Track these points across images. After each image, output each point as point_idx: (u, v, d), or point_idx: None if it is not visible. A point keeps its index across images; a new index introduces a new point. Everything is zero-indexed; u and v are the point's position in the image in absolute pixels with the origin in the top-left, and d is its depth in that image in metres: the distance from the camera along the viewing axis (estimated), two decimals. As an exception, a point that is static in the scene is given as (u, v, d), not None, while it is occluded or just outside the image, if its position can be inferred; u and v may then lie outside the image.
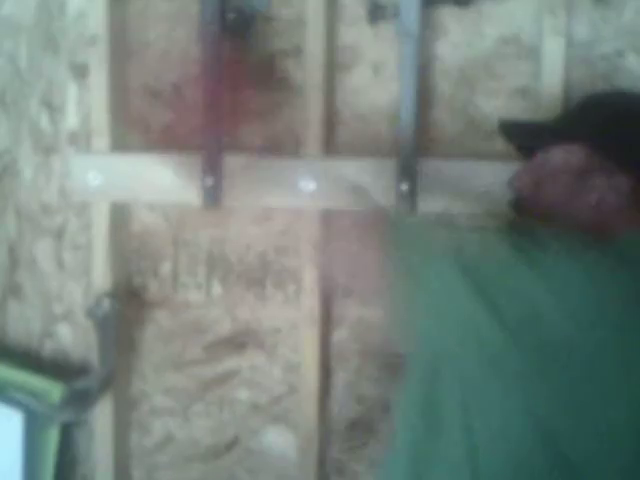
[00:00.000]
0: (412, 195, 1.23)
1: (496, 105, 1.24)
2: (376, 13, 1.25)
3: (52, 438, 1.45)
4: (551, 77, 1.19)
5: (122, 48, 1.40)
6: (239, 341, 1.42)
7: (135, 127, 1.42)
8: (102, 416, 1.44)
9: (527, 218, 0.95)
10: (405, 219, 1.14)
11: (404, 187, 1.23)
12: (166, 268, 1.44)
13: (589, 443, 0.77)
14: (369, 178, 1.26)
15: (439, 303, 0.81)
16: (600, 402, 0.76)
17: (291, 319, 1.37)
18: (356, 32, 1.29)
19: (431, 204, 1.24)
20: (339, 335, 1.36)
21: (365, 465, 1.38)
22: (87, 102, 1.42)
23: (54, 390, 1.42)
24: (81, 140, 1.45)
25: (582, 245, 0.79)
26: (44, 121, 1.49)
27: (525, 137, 1.02)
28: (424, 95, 1.25)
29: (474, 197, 1.21)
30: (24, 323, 1.56)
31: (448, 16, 1.25)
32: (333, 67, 1.30)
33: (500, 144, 1.16)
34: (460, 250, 0.82)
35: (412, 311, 0.83)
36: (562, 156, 0.90)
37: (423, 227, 1.00)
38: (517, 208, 0.98)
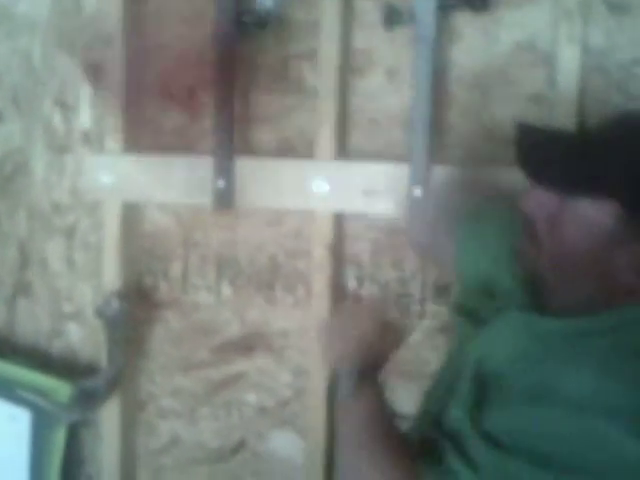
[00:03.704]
0: (425, 200, 1.23)
1: (511, 111, 1.24)
2: (392, 18, 1.24)
3: (59, 437, 1.45)
4: (566, 84, 1.18)
5: (137, 48, 1.40)
6: (248, 344, 1.41)
7: (148, 128, 1.42)
8: (109, 416, 1.44)
9: (532, 243, 0.88)
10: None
11: (417, 192, 1.23)
12: (176, 269, 1.44)
13: None
14: (382, 182, 1.25)
15: None
16: None
17: (300, 322, 1.36)
18: (371, 36, 1.29)
19: (443, 210, 1.23)
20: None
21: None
22: (100, 102, 1.43)
23: (62, 389, 1.42)
24: (94, 140, 1.45)
25: None
26: (57, 120, 1.49)
27: (548, 172, 0.87)
28: (438, 100, 1.24)
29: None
30: (33, 322, 1.56)
31: (463, 21, 1.24)
32: (347, 71, 1.30)
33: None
34: None
35: None
36: (592, 212, 0.81)
37: None
38: (525, 230, 0.90)
